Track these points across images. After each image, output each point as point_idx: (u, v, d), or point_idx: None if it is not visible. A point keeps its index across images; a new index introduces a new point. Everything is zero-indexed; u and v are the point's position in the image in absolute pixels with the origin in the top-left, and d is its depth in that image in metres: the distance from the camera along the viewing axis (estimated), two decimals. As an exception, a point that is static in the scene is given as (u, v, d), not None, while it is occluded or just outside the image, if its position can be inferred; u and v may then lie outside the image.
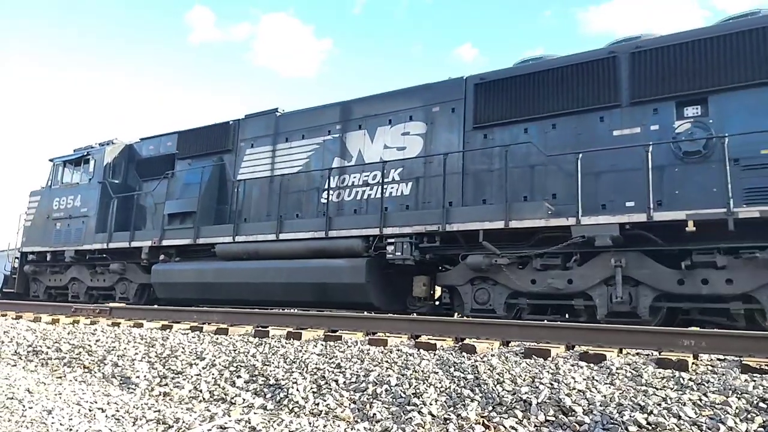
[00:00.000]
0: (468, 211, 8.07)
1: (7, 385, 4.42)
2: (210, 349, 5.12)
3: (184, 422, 3.26)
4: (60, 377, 4.83)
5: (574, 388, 3.30)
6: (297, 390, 3.76)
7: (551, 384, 3.38)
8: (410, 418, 3.13)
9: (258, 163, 10.89)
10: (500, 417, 3.05)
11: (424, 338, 5.19)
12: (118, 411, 3.57)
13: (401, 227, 8.36)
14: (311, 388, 3.80)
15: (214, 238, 10.35)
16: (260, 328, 6.20)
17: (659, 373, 3.58)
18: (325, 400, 3.55)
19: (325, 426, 3.16)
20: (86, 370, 4.99)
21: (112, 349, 5.46)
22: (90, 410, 3.59)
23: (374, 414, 3.27)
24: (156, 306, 9.75)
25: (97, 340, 5.97)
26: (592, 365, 3.82)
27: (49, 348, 5.85)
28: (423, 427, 3.04)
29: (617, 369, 3.68)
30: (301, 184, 10.16)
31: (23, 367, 5.32)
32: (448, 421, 3.06)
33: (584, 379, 3.48)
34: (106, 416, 3.45)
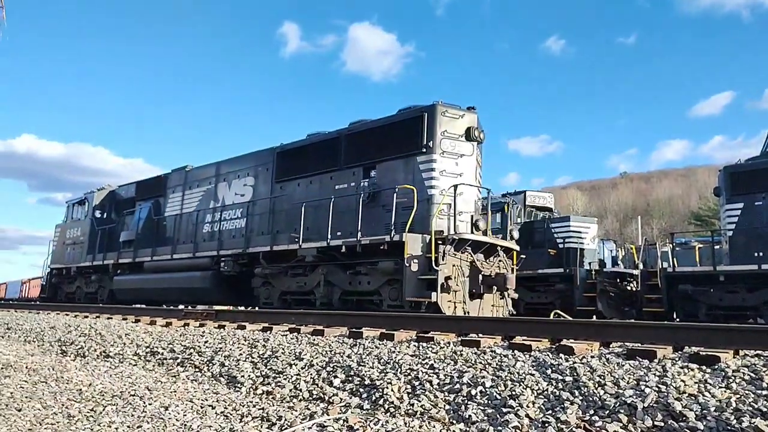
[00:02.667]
0: (257, 240, 12.14)
1: (130, 383, 4.84)
2: (308, 349, 5.30)
3: (286, 420, 3.40)
4: (174, 376, 5.22)
5: (685, 392, 3.09)
6: (392, 390, 3.81)
7: (658, 387, 3.18)
8: (507, 420, 3.07)
9: (175, 204, 15.37)
10: (603, 421, 2.92)
11: (518, 339, 5.07)
12: (226, 408, 3.80)
13: (227, 250, 12.57)
14: (405, 389, 3.83)
15: (143, 258, 14.93)
16: (354, 330, 6.34)
17: (783, 376, 3.26)
18: (419, 401, 3.57)
19: (420, 426, 3.18)
20: (197, 369, 5.35)
21: (219, 350, 5.81)
22: (201, 407, 3.84)
23: (470, 416, 3.25)
24: (257, 309, 10.73)
25: (205, 342, 6.37)
26: (704, 367, 3.55)
27: (164, 349, 6.32)
28: (520, 430, 2.97)
29: (733, 372, 3.39)
30: (194, 220, 14.37)
31: (143, 367, 5.79)
32: (546, 425, 2.97)
33: (695, 383, 3.24)
34: (216, 413, 3.69)
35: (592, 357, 4.08)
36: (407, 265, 8.96)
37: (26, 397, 4.15)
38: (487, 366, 4.03)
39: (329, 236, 10.21)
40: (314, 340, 5.88)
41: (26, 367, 5.77)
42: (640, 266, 14.85)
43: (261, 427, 3.32)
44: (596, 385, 3.35)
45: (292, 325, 7.28)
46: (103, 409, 3.75)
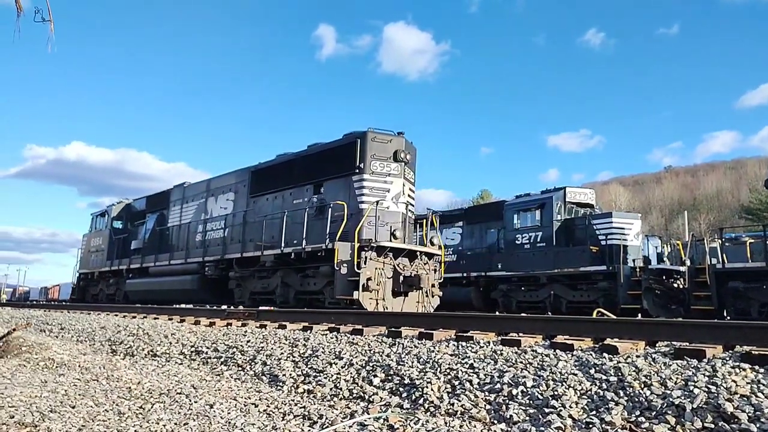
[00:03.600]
0: (232, 247, 14.30)
1: (176, 381, 4.97)
2: (347, 349, 5.34)
3: (327, 419, 3.44)
4: (218, 375, 5.34)
5: (736, 393, 2.98)
6: (431, 390, 3.80)
7: (708, 388, 3.08)
8: (549, 420, 3.03)
9: (175, 216, 17.71)
10: (649, 423, 2.84)
11: (560, 338, 4.99)
12: (268, 407, 3.86)
13: (210, 256, 14.88)
14: (445, 388, 3.82)
15: (148, 263, 17.60)
16: (393, 329, 6.35)
17: (844, 377, 3.10)
18: (459, 401, 3.55)
19: (461, 426, 3.16)
20: (240, 368, 5.46)
21: (261, 349, 5.91)
22: (245, 405, 3.92)
23: (511, 416, 3.21)
24: (298, 309, 11.01)
25: (247, 341, 6.49)
26: (757, 367, 3.41)
27: (208, 348, 6.48)
28: (563, 431, 2.92)
29: (789, 372, 3.25)
30: (189, 229, 16.64)
31: (188, 366, 5.95)
32: (590, 426, 2.92)
33: (748, 383, 3.12)
34: (259, 411, 3.76)
35: (638, 356, 3.97)
36: (337, 268, 10.83)
37: (79, 395, 4.32)
38: (528, 365, 3.97)
39: (283, 244, 12.31)
40: (353, 339, 5.92)
41: (79, 366, 6.00)
42: (687, 263, 14.39)
43: (303, 425, 3.37)
44: (642, 386, 3.27)
45: (332, 324, 7.34)
46: (152, 407, 3.87)
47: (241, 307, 11.89)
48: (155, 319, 10.65)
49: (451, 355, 4.60)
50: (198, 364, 5.95)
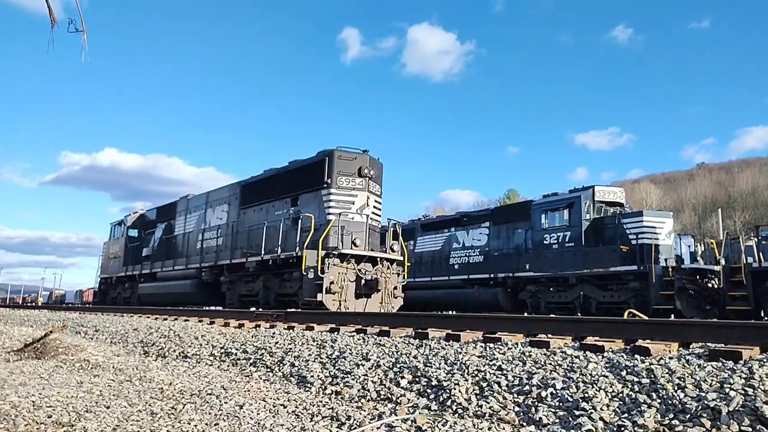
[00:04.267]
0: (223, 254, 15.88)
1: (206, 382, 5.05)
2: (374, 350, 5.35)
3: (355, 420, 3.45)
4: (247, 376, 5.40)
5: (775, 396, 2.88)
6: (459, 391, 3.78)
7: (744, 390, 2.99)
8: (579, 423, 2.98)
9: (180, 226, 19.36)
10: (683, 426, 2.78)
11: (590, 340, 4.91)
12: (297, 408, 3.89)
13: (206, 263, 16.46)
14: (473, 390, 3.79)
15: (156, 269, 19.44)
16: (420, 330, 6.34)
17: None
18: (488, 402, 3.52)
19: (489, 428, 3.14)
20: (268, 369, 5.51)
21: (289, 351, 5.96)
22: (274, 406, 3.96)
23: (540, 418, 3.18)
24: (325, 311, 11.18)
25: (276, 343, 6.56)
26: (796, 370, 3.30)
27: (237, 350, 6.56)
28: (594, 434, 2.87)
29: (831, 374, 3.14)
30: (190, 238, 18.34)
31: (218, 367, 6.03)
32: (622, 428, 2.86)
33: (787, 386, 3.02)
34: (288, 412, 3.79)
35: (671, 358, 3.89)
36: (305, 273, 12.06)
37: (113, 395, 4.42)
38: (557, 367, 3.92)
39: (263, 252, 13.83)
40: (380, 340, 5.92)
41: (113, 367, 6.14)
42: (722, 262, 14.02)
43: (331, 426, 3.39)
44: (675, 388, 3.20)
45: (359, 325, 7.36)
46: (183, 407, 3.94)
47: (272, 310, 12.07)
48: (186, 320, 10.83)
49: (479, 356, 4.57)
50: (228, 366, 6.02)
